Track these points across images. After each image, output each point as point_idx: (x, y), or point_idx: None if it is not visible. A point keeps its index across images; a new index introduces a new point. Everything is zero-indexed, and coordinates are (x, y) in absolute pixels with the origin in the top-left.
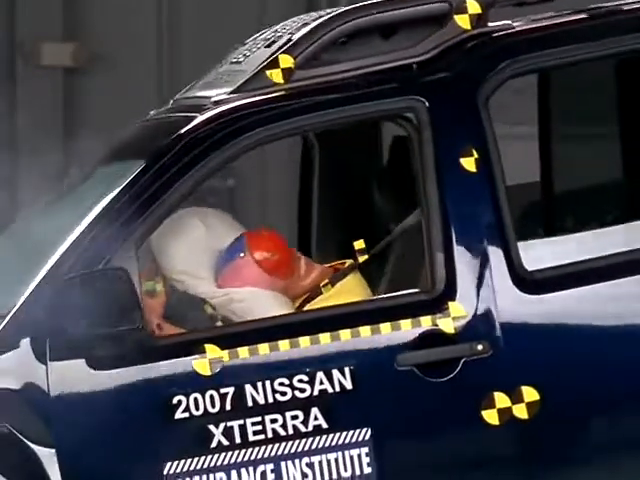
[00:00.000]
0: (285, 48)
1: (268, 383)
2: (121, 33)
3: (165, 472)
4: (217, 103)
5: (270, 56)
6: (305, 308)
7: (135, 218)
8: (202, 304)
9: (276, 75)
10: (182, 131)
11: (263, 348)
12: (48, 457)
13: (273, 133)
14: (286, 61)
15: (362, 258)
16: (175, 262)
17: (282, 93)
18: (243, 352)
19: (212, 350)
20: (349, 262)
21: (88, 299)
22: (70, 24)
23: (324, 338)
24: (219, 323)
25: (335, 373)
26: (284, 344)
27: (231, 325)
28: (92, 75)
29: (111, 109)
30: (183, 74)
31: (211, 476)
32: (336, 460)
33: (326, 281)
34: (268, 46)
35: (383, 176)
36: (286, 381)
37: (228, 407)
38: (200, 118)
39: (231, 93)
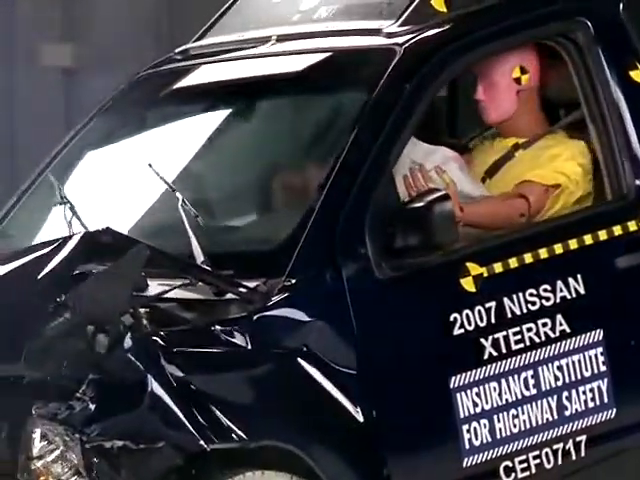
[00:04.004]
0: None
1: (521, 294)
2: (121, 33)
3: (451, 386)
4: (391, 35)
5: None
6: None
7: (385, 150)
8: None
9: (439, 4)
10: (394, 63)
11: (513, 262)
12: (351, 378)
13: (469, 60)
14: None
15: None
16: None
17: (465, 22)
18: (498, 267)
19: (473, 268)
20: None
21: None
22: (70, 24)
23: (558, 248)
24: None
25: (570, 280)
26: (528, 256)
27: (482, 241)
28: (92, 75)
29: None
30: None
31: (486, 386)
32: (579, 361)
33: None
34: None
35: None
36: (534, 291)
37: (493, 320)
38: (403, 49)
39: (401, 25)
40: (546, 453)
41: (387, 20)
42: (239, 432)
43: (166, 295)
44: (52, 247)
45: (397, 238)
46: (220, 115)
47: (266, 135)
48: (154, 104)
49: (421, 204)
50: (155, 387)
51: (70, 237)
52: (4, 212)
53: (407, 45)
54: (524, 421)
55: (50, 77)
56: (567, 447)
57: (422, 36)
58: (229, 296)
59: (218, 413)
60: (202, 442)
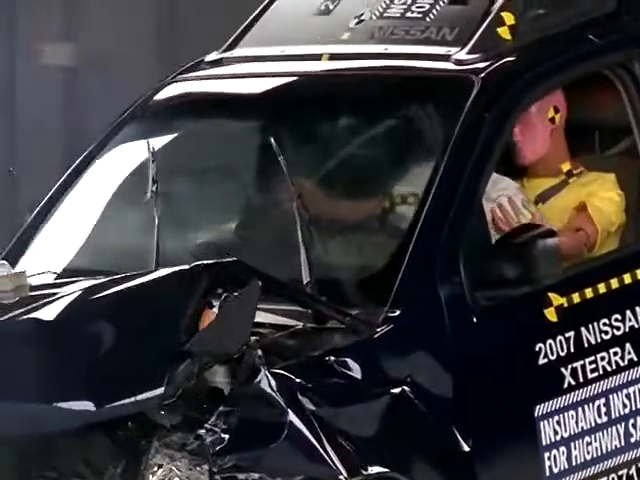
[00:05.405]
0: (503, 4)
1: (596, 324)
2: (121, 33)
3: (535, 414)
4: (461, 62)
5: (487, 14)
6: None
7: (474, 181)
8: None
9: (504, 32)
10: (474, 93)
11: (589, 292)
12: (450, 407)
13: (543, 90)
14: (510, 18)
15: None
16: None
17: (534, 51)
18: (576, 297)
19: (555, 298)
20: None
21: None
22: (70, 24)
23: (627, 278)
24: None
25: (637, 309)
26: (602, 287)
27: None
28: (92, 75)
29: (111, 109)
30: None
31: (565, 414)
32: None
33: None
34: (454, 2)
35: None
36: (607, 320)
37: (572, 349)
38: (480, 78)
39: (469, 52)
40: (612, 479)
41: (452, 46)
42: (365, 464)
43: (265, 321)
44: (175, 279)
45: (494, 270)
46: (289, 134)
47: (341, 159)
48: (203, 113)
49: (524, 240)
50: (294, 420)
51: (199, 268)
52: (20, 233)
53: (484, 75)
54: (596, 448)
55: (51, 76)
56: (630, 473)
57: (497, 65)
58: (330, 324)
59: (347, 446)
60: (342, 476)
